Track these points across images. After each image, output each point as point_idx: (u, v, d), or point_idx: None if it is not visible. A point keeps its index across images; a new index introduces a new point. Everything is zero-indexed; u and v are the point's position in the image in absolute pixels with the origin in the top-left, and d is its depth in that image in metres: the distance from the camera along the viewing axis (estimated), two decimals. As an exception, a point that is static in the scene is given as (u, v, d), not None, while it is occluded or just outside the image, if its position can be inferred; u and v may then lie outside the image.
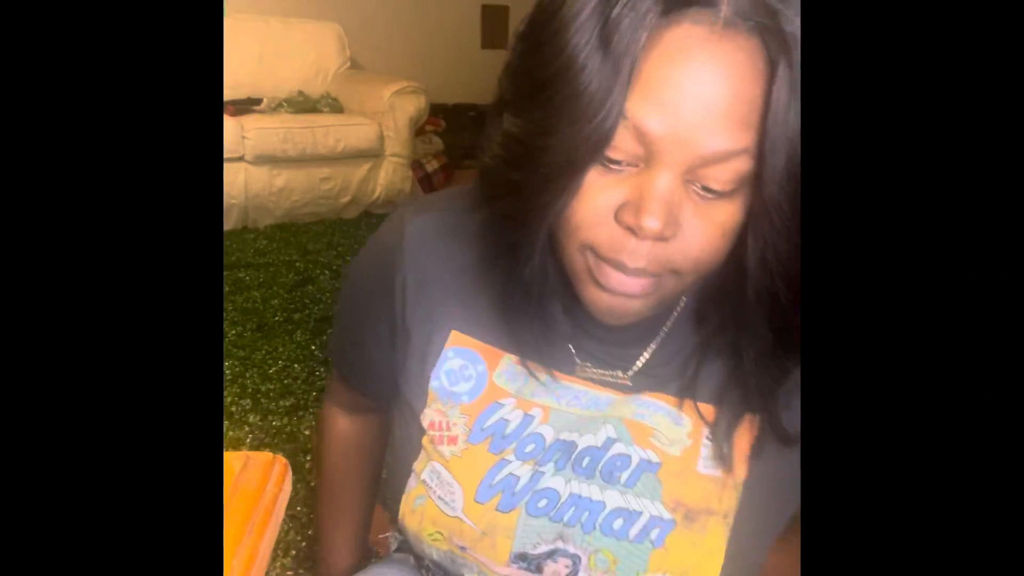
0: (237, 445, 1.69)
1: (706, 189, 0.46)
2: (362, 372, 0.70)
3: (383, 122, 3.57)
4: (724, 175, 0.45)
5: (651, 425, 0.56)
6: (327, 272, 2.75)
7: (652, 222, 0.45)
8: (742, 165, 0.45)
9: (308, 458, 1.62)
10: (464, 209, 0.60)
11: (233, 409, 1.80)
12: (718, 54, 0.43)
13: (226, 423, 1.73)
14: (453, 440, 0.58)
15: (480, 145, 0.52)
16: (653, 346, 0.58)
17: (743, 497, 0.56)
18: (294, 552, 1.35)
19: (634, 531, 0.55)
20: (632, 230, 0.46)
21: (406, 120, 3.60)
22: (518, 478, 0.56)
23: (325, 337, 2.19)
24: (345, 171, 3.52)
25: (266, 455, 0.46)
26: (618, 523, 0.55)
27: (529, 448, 0.57)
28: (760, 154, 0.44)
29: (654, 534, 0.55)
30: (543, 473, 0.56)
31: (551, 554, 0.56)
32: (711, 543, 0.55)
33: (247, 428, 1.72)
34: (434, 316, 0.60)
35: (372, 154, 3.57)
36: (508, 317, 0.57)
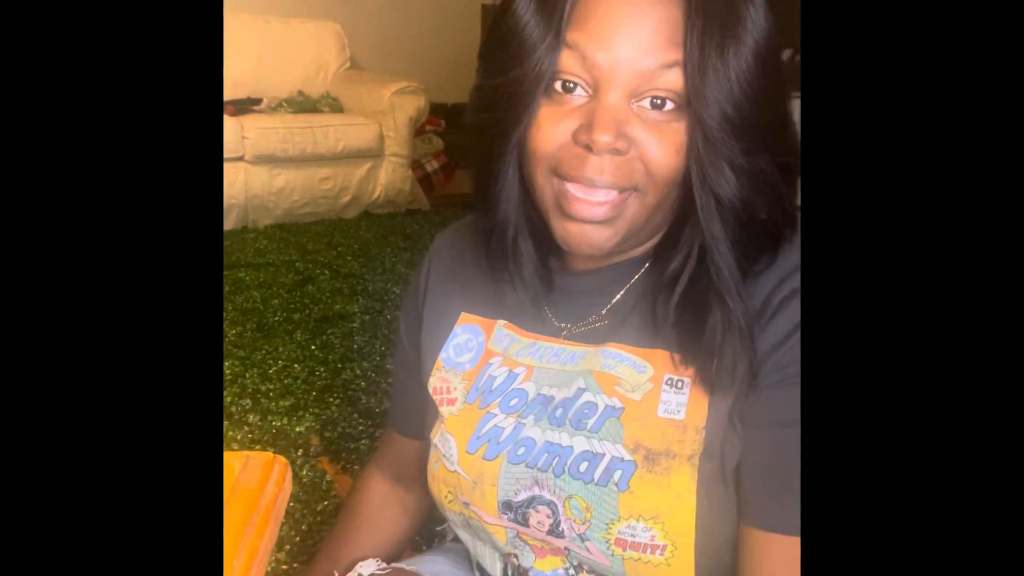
0: (237, 445, 1.69)
1: (655, 103, 0.54)
2: (410, 412, 0.77)
3: (383, 122, 3.57)
4: (664, 85, 0.54)
5: (617, 375, 0.61)
6: (327, 272, 2.75)
7: (603, 136, 0.53)
8: (676, 78, 0.53)
9: (299, 452, 1.62)
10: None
11: (233, 409, 1.80)
12: None
13: (226, 423, 1.73)
14: (452, 402, 0.66)
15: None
16: (621, 293, 0.64)
17: (707, 441, 0.57)
18: (288, 547, 1.35)
19: (597, 473, 0.58)
20: (588, 147, 0.54)
21: (406, 120, 3.60)
22: (502, 429, 0.63)
23: (325, 337, 2.19)
24: (345, 171, 3.51)
25: (266, 455, 0.46)
26: (583, 466, 0.59)
27: (513, 402, 0.63)
28: (686, 71, 0.53)
29: (616, 476, 0.57)
30: (523, 424, 0.62)
31: (531, 502, 0.60)
32: (677, 485, 0.56)
33: (247, 428, 1.72)
34: (449, 303, 0.70)
35: (372, 154, 3.57)
36: (493, 280, 0.66)
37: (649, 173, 0.55)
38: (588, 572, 0.61)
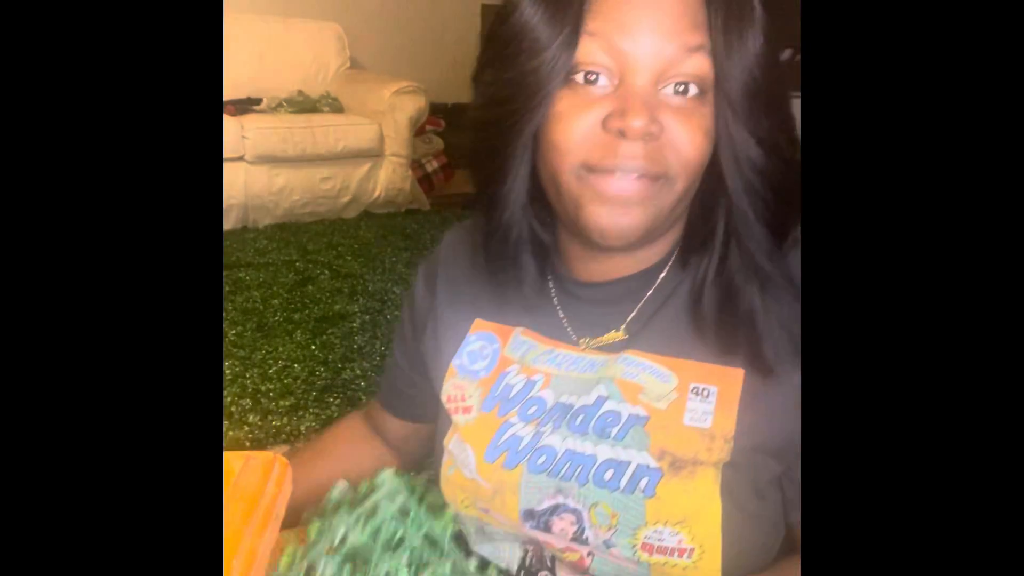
0: (237, 445, 1.69)
1: (678, 90, 0.54)
2: (402, 396, 0.78)
3: (383, 122, 3.57)
4: (690, 71, 0.54)
5: (640, 383, 0.60)
6: (327, 272, 2.75)
7: (637, 121, 0.52)
8: (702, 61, 0.54)
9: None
10: None
11: (233, 409, 1.80)
12: None
13: (226, 423, 1.73)
14: (468, 410, 0.65)
15: (470, 106, 0.61)
16: (645, 298, 0.63)
17: (735, 449, 0.57)
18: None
19: (623, 481, 0.57)
20: (622, 133, 0.53)
21: (406, 120, 3.59)
22: (521, 438, 0.62)
23: (325, 337, 2.19)
24: (345, 171, 3.52)
25: (266, 455, 0.46)
26: (608, 474, 0.58)
27: (531, 410, 0.62)
28: (713, 53, 0.53)
29: (643, 483, 0.57)
30: (543, 433, 0.61)
31: (554, 510, 0.59)
32: (703, 489, 0.56)
33: (247, 428, 1.72)
34: (463, 309, 0.69)
35: (372, 154, 3.57)
36: (497, 283, 0.65)
37: (678, 158, 0.55)
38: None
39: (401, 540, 0.49)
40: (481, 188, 0.62)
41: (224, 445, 0.40)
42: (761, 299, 0.57)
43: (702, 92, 0.54)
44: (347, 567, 0.48)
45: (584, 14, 0.53)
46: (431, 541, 0.50)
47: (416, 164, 3.86)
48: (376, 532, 0.49)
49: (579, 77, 0.54)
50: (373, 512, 0.49)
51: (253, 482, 0.44)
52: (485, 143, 0.60)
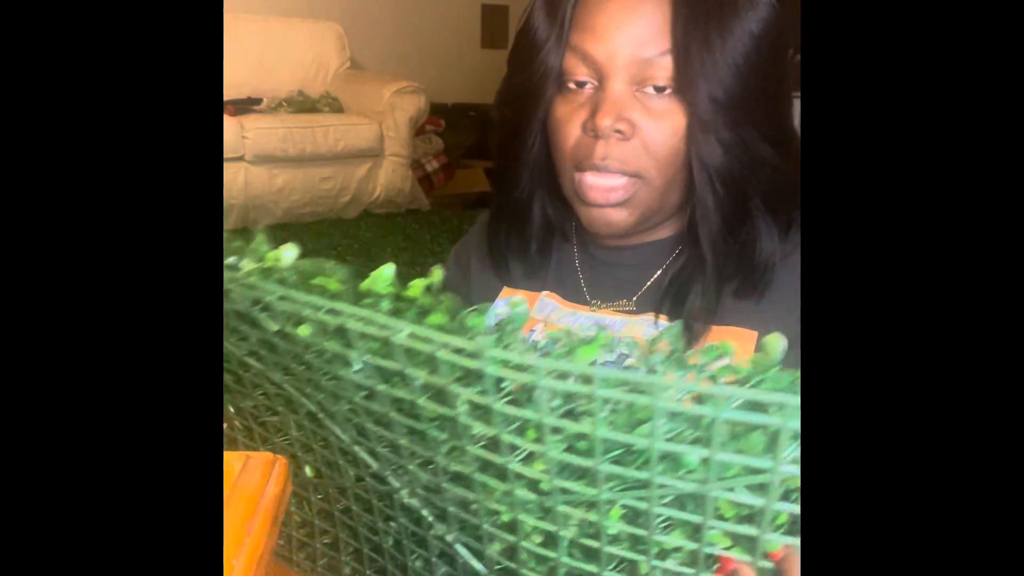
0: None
1: (656, 90, 0.59)
2: None
3: (383, 122, 3.58)
4: (660, 73, 0.58)
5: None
6: (327, 272, 2.75)
7: (605, 120, 0.58)
8: (671, 64, 0.58)
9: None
10: None
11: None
12: None
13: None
14: None
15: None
16: (658, 272, 0.67)
17: None
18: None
19: None
20: (595, 133, 0.59)
21: (406, 120, 3.60)
22: None
23: (325, 337, 2.19)
24: (345, 171, 3.52)
25: (266, 455, 0.46)
26: None
27: None
28: (674, 57, 0.57)
29: None
30: None
31: None
32: None
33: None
34: (492, 279, 0.75)
35: (372, 154, 3.58)
36: (528, 258, 0.72)
37: (651, 156, 0.59)
38: None
39: None
40: (498, 167, 0.71)
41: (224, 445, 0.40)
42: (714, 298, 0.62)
43: (678, 91, 0.58)
44: None
45: (569, 28, 0.60)
46: None
47: (416, 164, 3.86)
48: None
49: (571, 84, 0.61)
50: None
51: (253, 482, 0.44)
52: (504, 137, 0.68)
